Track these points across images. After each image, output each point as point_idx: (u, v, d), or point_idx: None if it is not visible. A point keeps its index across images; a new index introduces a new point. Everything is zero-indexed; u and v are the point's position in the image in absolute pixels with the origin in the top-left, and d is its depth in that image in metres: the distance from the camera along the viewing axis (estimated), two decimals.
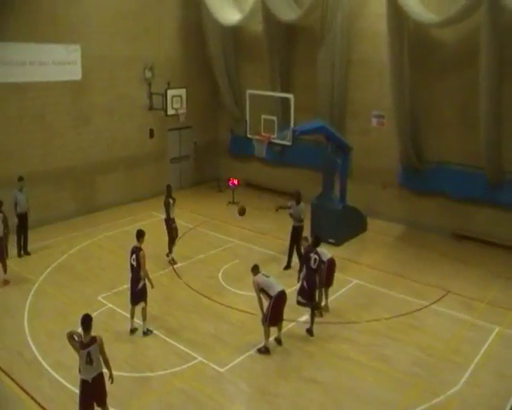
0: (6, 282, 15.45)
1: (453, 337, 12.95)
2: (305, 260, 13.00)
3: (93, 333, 9.16)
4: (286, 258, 16.57)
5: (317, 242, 13.20)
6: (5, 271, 15.48)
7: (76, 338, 9.08)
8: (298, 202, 16.38)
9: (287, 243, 16.85)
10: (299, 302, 12.99)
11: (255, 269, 12.31)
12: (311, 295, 12.92)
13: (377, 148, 20.59)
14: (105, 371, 9.30)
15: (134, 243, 12.91)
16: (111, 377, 9.30)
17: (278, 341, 12.51)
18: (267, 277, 12.19)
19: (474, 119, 17.48)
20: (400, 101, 18.67)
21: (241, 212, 13.46)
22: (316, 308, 13.05)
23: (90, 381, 9.01)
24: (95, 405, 9.28)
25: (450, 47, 18.22)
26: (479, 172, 17.90)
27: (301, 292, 12.92)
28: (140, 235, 12.90)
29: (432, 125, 19.09)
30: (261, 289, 12.05)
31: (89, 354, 8.89)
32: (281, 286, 12.07)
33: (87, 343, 8.95)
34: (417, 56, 18.53)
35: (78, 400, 9.33)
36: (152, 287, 12.90)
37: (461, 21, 16.89)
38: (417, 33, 18.52)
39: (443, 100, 18.72)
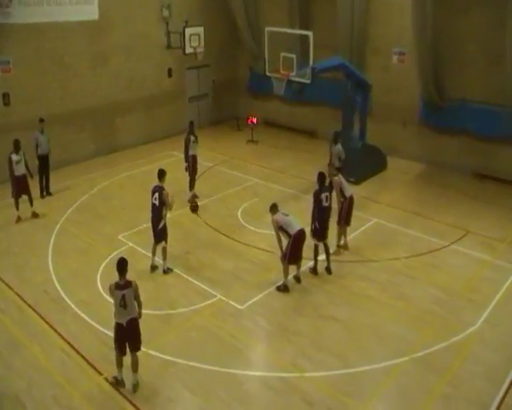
0: (35, 214, 16.04)
1: (473, 277, 12.95)
2: (316, 203, 12.80)
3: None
4: (304, 196, 16.54)
5: (321, 179, 12.92)
6: (31, 204, 15.98)
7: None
8: (335, 143, 16.20)
9: (305, 181, 16.76)
10: (316, 245, 12.98)
11: (274, 208, 12.29)
12: (323, 234, 12.92)
13: (398, 85, 20.24)
14: None
15: (154, 182, 13.00)
16: (139, 313, 9.40)
17: (297, 279, 12.64)
18: (286, 215, 12.18)
19: (499, 55, 17.08)
20: (422, 36, 18.22)
21: (194, 209, 13.39)
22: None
23: (124, 325, 9.13)
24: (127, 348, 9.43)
25: None
26: (502, 110, 17.51)
27: (314, 233, 12.89)
28: (162, 174, 12.92)
29: (454, 61, 18.62)
30: (280, 228, 12.07)
31: (123, 297, 8.99)
32: (299, 225, 12.08)
33: (122, 286, 9.03)
34: None
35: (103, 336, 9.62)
36: (172, 205, 12.97)
37: None
38: None
39: (466, 36, 18.20)
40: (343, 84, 18.79)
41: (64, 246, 14.48)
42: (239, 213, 16.23)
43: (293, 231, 11.94)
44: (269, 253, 13.61)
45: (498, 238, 14.67)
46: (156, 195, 12.71)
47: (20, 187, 15.70)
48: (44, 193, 17.45)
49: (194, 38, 22.09)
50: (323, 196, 12.72)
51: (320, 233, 12.86)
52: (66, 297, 12.17)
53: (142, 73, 22.35)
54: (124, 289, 9.01)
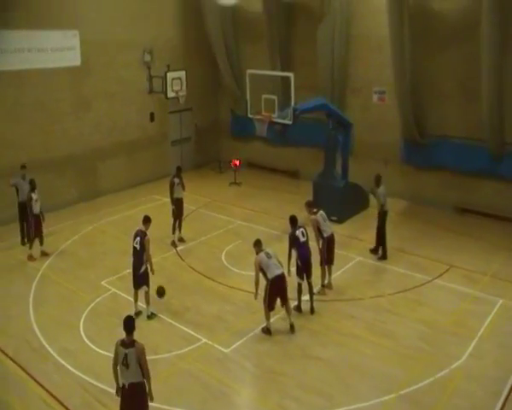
0: (45, 253, 16.42)
1: (457, 311, 12.97)
2: (291, 243, 12.80)
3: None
4: (287, 236, 16.52)
5: (292, 222, 13.00)
6: (41, 243, 16.37)
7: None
8: (378, 185, 15.63)
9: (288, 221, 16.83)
10: (299, 284, 12.97)
11: (258, 245, 12.16)
12: (306, 271, 12.90)
13: (379, 123, 20.51)
14: None
15: (136, 227, 12.96)
16: (149, 392, 8.72)
17: (291, 327, 12.23)
18: (269, 257, 11.98)
19: (476, 91, 17.40)
20: (401, 75, 18.52)
21: (160, 293, 13.06)
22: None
23: (126, 386, 8.57)
24: None
25: (451, 19, 18.05)
26: (481, 146, 17.81)
27: (297, 271, 12.90)
28: (146, 220, 12.92)
29: (433, 98, 18.99)
30: (261, 269, 11.97)
31: (126, 356, 8.44)
32: (280, 270, 11.95)
33: (127, 344, 8.50)
34: (418, 29, 18.37)
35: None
36: (152, 273, 12.84)
37: None
38: (417, 6, 18.40)
39: (444, 73, 18.60)
40: (325, 124, 18.99)
41: (45, 294, 14.29)
42: (223, 256, 16.18)
43: (272, 275, 11.83)
44: (253, 294, 13.50)
45: (481, 271, 14.75)
46: (138, 239, 12.68)
47: (37, 225, 16.11)
48: (25, 240, 17.27)
49: (176, 81, 22.39)
50: (299, 232, 12.77)
51: (304, 271, 12.85)
52: (47, 346, 11.94)
53: (124, 118, 22.48)
54: (128, 347, 8.45)
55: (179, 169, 17.26)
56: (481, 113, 17.38)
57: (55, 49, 19.50)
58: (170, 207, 17.08)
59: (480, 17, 16.39)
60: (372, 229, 16.24)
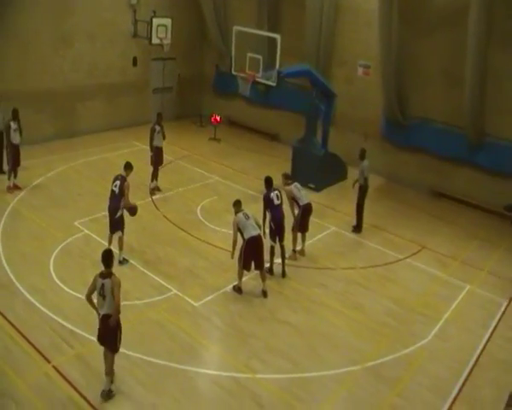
0: (17, 186, 16.15)
1: (425, 292, 13.18)
2: (265, 205, 12.87)
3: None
4: None
5: (267, 183, 13.07)
6: (15, 176, 16.10)
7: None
8: (362, 159, 15.58)
9: None
10: (271, 246, 13.04)
11: (237, 205, 12.17)
12: (279, 234, 12.95)
13: (362, 98, 20.43)
14: None
15: (113, 170, 12.96)
16: (111, 317, 8.76)
17: (264, 293, 12.30)
18: (247, 218, 11.98)
19: (459, 78, 17.41)
20: (387, 53, 18.41)
21: (133, 212, 12.94)
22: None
23: (100, 316, 8.85)
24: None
25: (441, 3, 17.96)
26: (460, 132, 17.90)
27: (270, 234, 12.96)
28: (128, 166, 12.86)
29: (417, 80, 18.93)
30: (238, 229, 12.00)
31: (102, 286, 8.68)
32: (256, 231, 11.96)
33: (105, 275, 8.74)
34: (407, 9, 18.14)
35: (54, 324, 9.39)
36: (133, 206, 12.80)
37: None
38: None
39: (429, 56, 18.54)
40: (308, 91, 18.87)
41: (16, 229, 14.06)
42: (198, 210, 16.12)
43: (248, 235, 11.84)
44: (226, 252, 13.39)
45: (451, 256, 14.97)
46: (117, 183, 12.57)
47: (15, 156, 15.81)
48: None
49: (162, 29, 21.89)
50: (273, 194, 12.84)
51: (277, 234, 12.91)
52: (16, 282, 11.80)
53: (106, 60, 21.98)
54: (105, 278, 8.70)
55: (160, 116, 16.97)
56: (463, 100, 17.43)
57: None
58: (149, 155, 16.90)
59: (468, 3, 16.35)
60: (349, 201, 16.34)
